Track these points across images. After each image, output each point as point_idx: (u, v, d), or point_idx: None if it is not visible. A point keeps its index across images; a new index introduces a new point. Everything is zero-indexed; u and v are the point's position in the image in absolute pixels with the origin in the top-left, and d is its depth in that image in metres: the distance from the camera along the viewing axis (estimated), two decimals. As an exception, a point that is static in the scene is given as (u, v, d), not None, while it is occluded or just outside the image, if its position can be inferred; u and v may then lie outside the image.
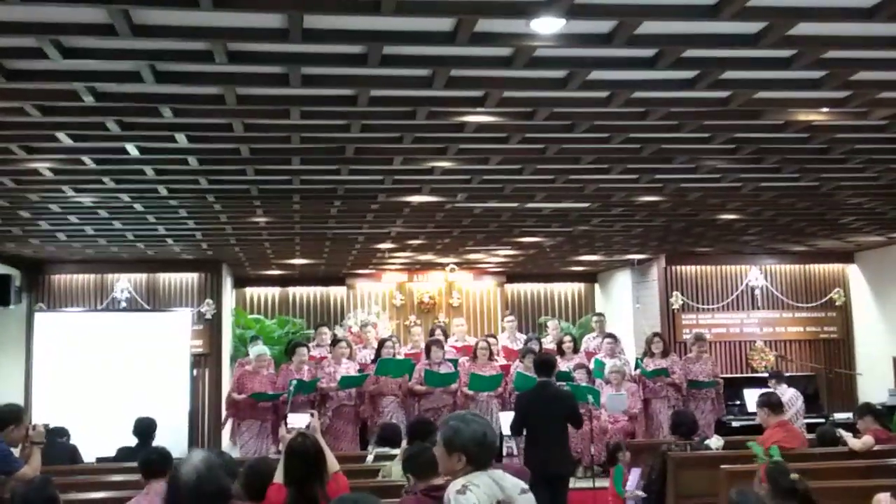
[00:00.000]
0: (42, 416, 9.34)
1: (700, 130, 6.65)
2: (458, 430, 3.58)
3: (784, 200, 9.56)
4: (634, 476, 7.72)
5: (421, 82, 5.30)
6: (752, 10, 4.28)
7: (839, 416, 11.24)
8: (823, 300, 14.47)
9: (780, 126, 6.56)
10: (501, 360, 11.54)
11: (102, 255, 12.84)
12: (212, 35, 4.46)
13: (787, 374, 11.52)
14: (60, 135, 6.30)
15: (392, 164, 7.47)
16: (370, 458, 7.47)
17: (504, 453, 11.30)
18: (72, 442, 8.72)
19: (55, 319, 12.78)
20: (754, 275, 14.38)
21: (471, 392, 10.63)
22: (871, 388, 12.97)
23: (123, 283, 13.57)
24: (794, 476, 4.92)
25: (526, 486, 3.63)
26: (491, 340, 11.73)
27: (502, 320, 14.26)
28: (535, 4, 4.21)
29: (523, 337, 12.72)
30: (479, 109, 5.89)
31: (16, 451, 6.21)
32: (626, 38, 4.58)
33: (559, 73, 5.30)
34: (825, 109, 6.11)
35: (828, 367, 14.02)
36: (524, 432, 7.92)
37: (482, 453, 3.56)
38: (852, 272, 14.52)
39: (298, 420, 5.83)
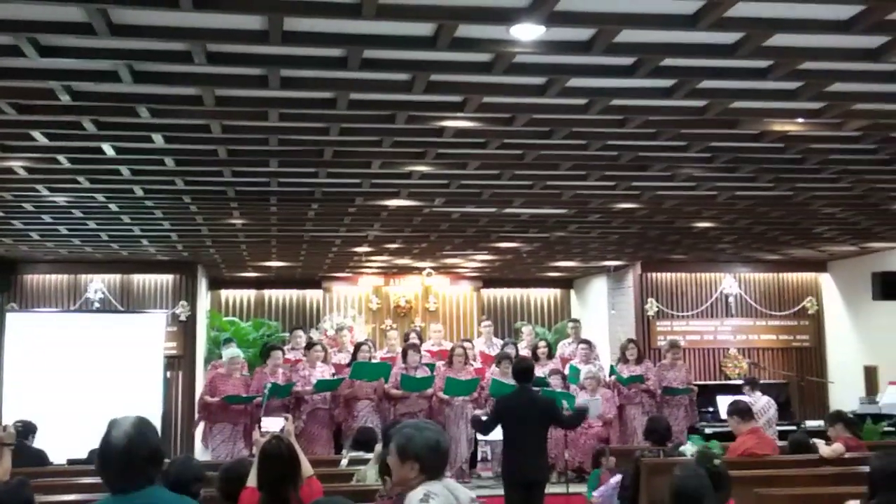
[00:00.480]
0: (13, 417, 9.22)
1: (677, 139, 6.70)
2: (411, 438, 3.58)
3: (759, 209, 9.66)
4: (610, 484, 7.73)
5: (400, 86, 5.30)
6: (729, 20, 4.32)
7: (811, 423, 11.32)
8: (796, 309, 14.61)
9: (756, 136, 6.63)
10: (478, 365, 11.55)
11: (76, 255, 12.73)
12: (191, 36, 4.44)
13: (760, 382, 11.61)
14: (36, 133, 6.24)
15: (370, 168, 7.46)
16: (344, 461, 7.44)
17: (479, 458, 11.33)
18: (43, 442, 8.62)
19: (27, 320, 12.66)
20: (728, 283, 14.50)
21: (446, 396, 10.63)
22: (843, 397, 13.10)
23: (97, 284, 13.44)
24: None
25: (475, 497, 3.66)
26: (467, 345, 11.74)
27: (479, 325, 14.27)
28: (515, 11, 4.22)
29: (500, 342, 12.73)
30: (458, 114, 5.90)
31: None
32: (605, 46, 4.61)
33: (538, 80, 5.33)
34: (800, 120, 6.18)
35: (800, 375, 14.15)
36: (499, 436, 7.92)
37: (436, 460, 3.57)
38: (825, 281, 14.68)
39: (272, 424, 5.80)
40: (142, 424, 2.94)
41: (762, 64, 5.04)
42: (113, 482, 2.86)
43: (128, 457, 2.83)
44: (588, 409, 9.07)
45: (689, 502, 4.48)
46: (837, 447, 7.47)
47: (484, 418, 8.34)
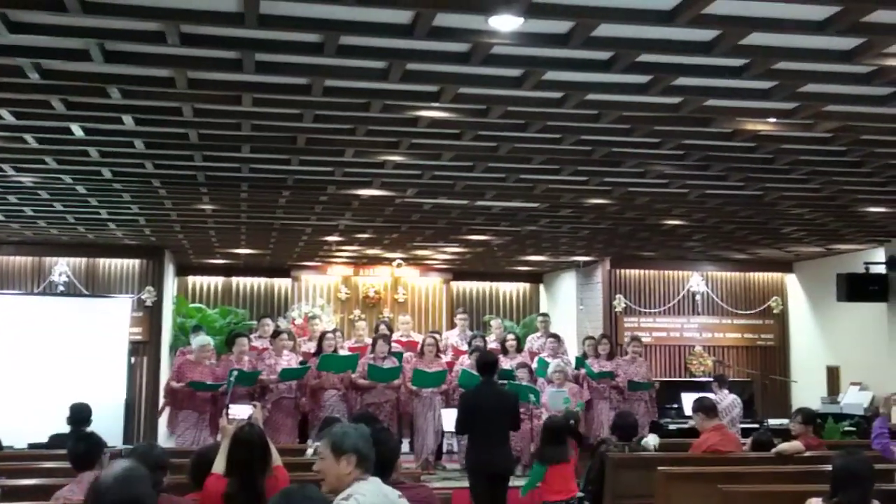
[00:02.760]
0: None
1: (650, 135, 6.73)
2: (346, 433, 3.68)
3: (728, 208, 9.73)
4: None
5: (376, 74, 5.27)
6: (706, 17, 4.34)
7: (773, 421, 11.46)
8: (761, 308, 14.76)
9: (729, 134, 6.68)
10: (448, 358, 11.54)
11: (41, 237, 12.54)
12: (165, 16, 4.37)
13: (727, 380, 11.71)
14: (3, 112, 6.13)
15: (343, 157, 7.42)
16: (310, 451, 7.41)
17: (444, 450, 11.34)
18: (3, 426, 8.50)
19: (-11, 301, 12.45)
20: (696, 281, 14.62)
21: (414, 388, 10.62)
22: (805, 396, 13.26)
23: (62, 267, 13.26)
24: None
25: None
26: (437, 337, 11.73)
27: (455, 317, 14.25)
28: (494, 1, 4.21)
29: (470, 335, 12.74)
30: (433, 104, 5.88)
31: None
32: (583, 39, 4.62)
33: (515, 72, 5.32)
34: (773, 120, 6.23)
35: (763, 374, 14.30)
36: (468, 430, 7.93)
37: (371, 453, 3.67)
38: (790, 281, 14.85)
39: (240, 411, 5.76)
40: (131, 471, 2.92)
41: (737, 62, 5.08)
42: None
43: (106, 499, 2.81)
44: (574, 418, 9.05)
45: (854, 482, 4.54)
46: (796, 444, 7.56)
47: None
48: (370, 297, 16.29)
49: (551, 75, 5.29)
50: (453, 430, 9.23)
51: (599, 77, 5.34)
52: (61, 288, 13.17)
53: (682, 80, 5.38)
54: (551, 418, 8.09)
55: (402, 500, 3.73)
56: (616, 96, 5.74)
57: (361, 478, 3.64)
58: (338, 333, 11.53)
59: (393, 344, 11.33)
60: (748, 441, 8.21)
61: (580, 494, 7.86)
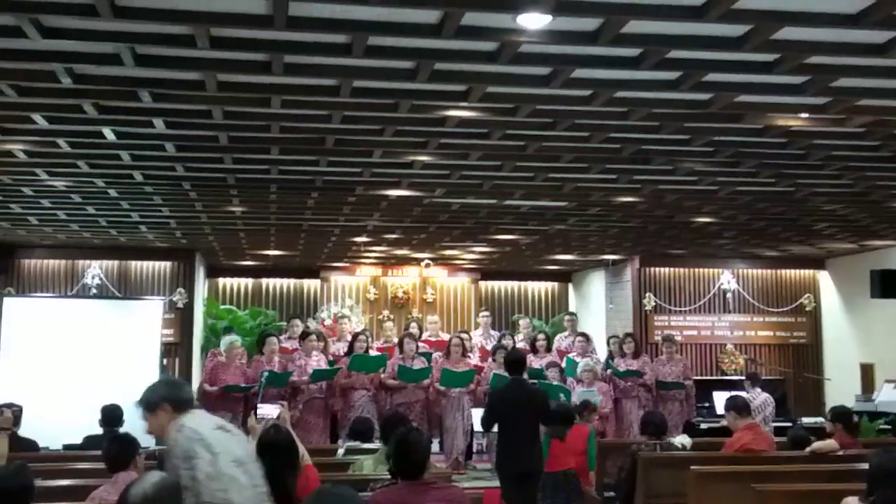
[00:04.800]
0: (9, 402, 9.18)
1: (680, 132, 6.68)
2: (151, 389, 3.99)
3: (759, 205, 9.64)
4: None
5: (404, 75, 5.27)
6: (737, 12, 4.30)
7: (806, 420, 11.32)
8: (794, 305, 14.61)
9: (760, 130, 6.61)
10: (475, 358, 11.52)
11: (74, 240, 12.69)
12: (194, 19, 4.40)
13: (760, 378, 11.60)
14: (36, 116, 6.21)
15: (371, 157, 7.43)
16: (341, 451, 7.42)
17: (474, 450, 11.31)
18: (39, 427, 8.57)
19: (24, 305, 12.57)
20: (726, 278, 14.50)
21: (442, 388, 10.62)
22: (838, 394, 13.10)
23: (94, 270, 13.41)
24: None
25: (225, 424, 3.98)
26: (464, 336, 11.71)
27: (477, 316, 14.24)
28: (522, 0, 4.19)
29: (497, 334, 12.71)
30: (461, 104, 5.87)
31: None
32: (612, 36, 4.58)
33: (543, 70, 5.30)
34: (804, 115, 6.16)
35: (796, 372, 14.15)
36: (496, 429, 7.91)
37: (182, 393, 3.95)
38: (823, 278, 14.68)
39: (268, 410, 5.79)
40: (162, 487, 2.93)
41: (769, 58, 5.02)
42: None
43: None
44: (590, 402, 9.12)
45: (891, 480, 4.47)
46: (831, 443, 7.46)
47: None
48: (399, 298, 16.31)
49: (580, 73, 5.27)
50: (481, 427, 9.21)
51: (628, 74, 5.30)
52: (94, 290, 13.31)
53: (713, 77, 5.33)
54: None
55: (233, 429, 3.97)
56: (645, 93, 5.70)
57: (180, 416, 3.83)
58: (367, 334, 11.55)
59: (421, 344, 11.34)
60: (782, 440, 8.12)
61: (609, 494, 7.84)
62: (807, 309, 14.63)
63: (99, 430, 8.01)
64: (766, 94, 5.73)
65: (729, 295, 14.49)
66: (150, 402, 3.90)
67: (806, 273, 14.75)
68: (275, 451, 4.43)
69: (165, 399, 3.87)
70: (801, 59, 4.96)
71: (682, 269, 14.45)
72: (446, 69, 5.22)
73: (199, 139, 6.96)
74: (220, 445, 3.71)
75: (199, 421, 3.80)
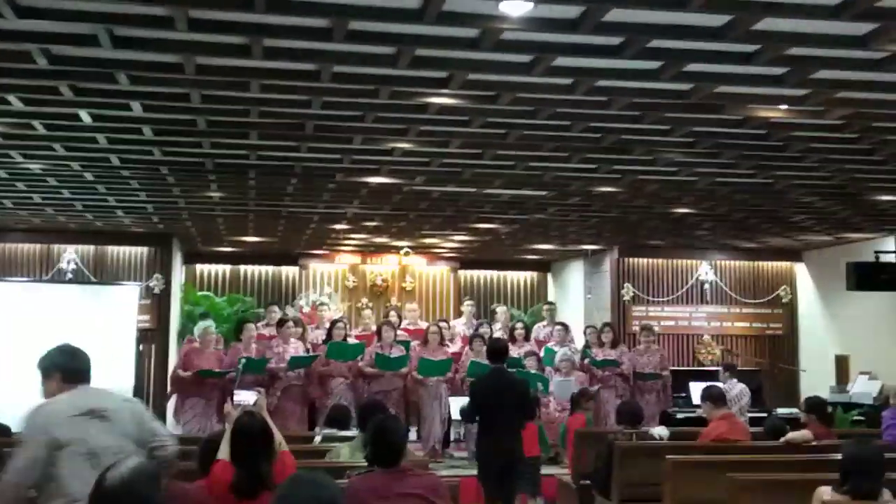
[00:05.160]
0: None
1: (660, 122, 6.69)
2: (46, 356, 4.11)
3: (738, 196, 9.69)
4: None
5: (385, 60, 5.24)
6: (719, 2, 4.31)
7: (781, 410, 11.42)
8: (770, 297, 14.71)
9: (740, 122, 6.63)
10: (455, 346, 11.52)
11: (49, 224, 12.55)
12: (173, 1, 4.34)
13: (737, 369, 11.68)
14: (11, 98, 6.12)
15: (352, 144, 7.39)
16: (318, 438, 7.41)
17: (452, 438, 11.33)
18: (12, 412, 8.49)
19: (-2, 289, 12.47)
20: (704, 270, 14.57)
21: (420, 377, 10.62)
22: (814, 385, 13.21)
23: (70, 255, 13.27)
24: None
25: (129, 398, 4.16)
26: (442, 325, 11.73)
27: (461, 305, 14.23)
28: (504, -15, 4.18)
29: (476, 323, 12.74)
30: (442, 91, 5.84)
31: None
32: (593, 25, 4.58)
33: (524, 58, 5.28)
34: (784, 107, 6.19)
35: (772, 363, 14.26)
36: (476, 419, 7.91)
37: (74, 362, 4.07)
38: (800, 270, 14.79)
39: (245, 396, 5.77)
40: (139, 471, 2.87)
41: (749, 48, 5.03)
42: None
43: (120, 503, 2.77)
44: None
45: (864, 470, 4.60)
46: (805, 433, 7.53)
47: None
48: (378, 286, 16.28)
49: (561, 61, 5.26)
50: (459, 417, 9.22)
51: (609, 63, 5.30)
52: (69, 275, 13.18)
53: (693, 67, 5.34)
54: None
55: (120, 398, 4.10)
56: (626, 82, 5.70)
57: (68, 388, 3.94)
58: (345, 321, 11.53)
59: (400, 332, 11.33)
60: (758, 430, 8.18)
61: (586, 482, 7.88)
62: (783, 301, 14.73)
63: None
64: (746, 85, 5.75)
65: (706, 286, 14.56)
66: (44, 369, 4.02)
67: (783, 265, 14.85)
68: (248, 437, 4.39)
69: (57, 367, 3.98)
70: (781, 49, 4.98)
71: (660, 260, 14.51)
72: (427, 55, 5.19)
73: (176, 123, 6.90)
74: (71, 434, 3.71)
75: (62, 406, 3.82)
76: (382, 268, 16.40)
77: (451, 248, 15.47)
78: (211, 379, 10.03)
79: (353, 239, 14.19)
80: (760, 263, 14.81)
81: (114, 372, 11.84)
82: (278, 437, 4.68)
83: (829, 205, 10.13)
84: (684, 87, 5.78)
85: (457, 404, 9.58)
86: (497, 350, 8.01)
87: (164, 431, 4.35)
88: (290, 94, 6.07)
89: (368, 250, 15.83)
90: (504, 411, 7.51)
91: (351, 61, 5.30)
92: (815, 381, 13.43)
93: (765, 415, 10.98)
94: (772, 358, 14.39)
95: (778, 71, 5.42)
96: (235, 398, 5.68)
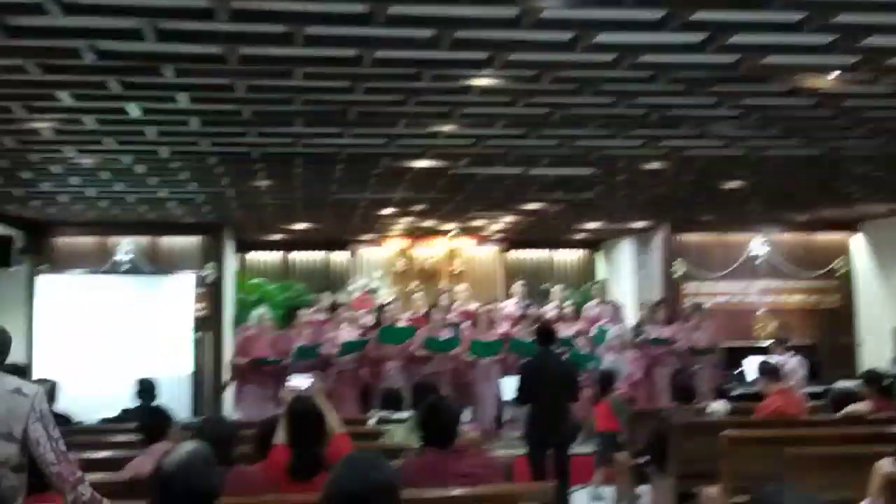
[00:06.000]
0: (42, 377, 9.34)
1: (707, 96, 6.58)
2: None
3: (789, 168, 9.51)
4: None
5: (426, 43, 5.23)
6: (763, -30, 4.22)
7: (839, 384, 11.23)
8: (826, 269, 14.43)
9: (788, 93, 6.50)
10: (506, 327, 11.53)
11: (104, 217, 12.80)
12: (214, -8, 4.40)
13: (790, 343, 11.51)
14: (61, 94, 6.25)
15: (395, 128, 7.41)
16: (372, 421, 7.50)
17: (505, 419, 11.35)
18: (75, 402, 8.73)
19: (57, 281, 12.77)
20: (757, 244, 14.33)
21: (471, 357, 10.65)
22: (872, 358, 12.99)
23: (125, 246, 13.52)
24: None
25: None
26: (492, 307, 11.74)
27: (508, 287, 14.21)
28: (543, -37, 4.14)
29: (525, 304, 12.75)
30: (484, 72, 5.82)
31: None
32: (634, -1, 4.52)
33: (566, 36, 5.23)
34: (834, 75, 6.04)
35: (829, 337, 14.02)
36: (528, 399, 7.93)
37: None
38: (856, 242, 14.48)
39: (300, 382, 5.83)
40: (195, 455, 2.91)
41: (796, 16, 4.92)
42: None
43: (177, 486, 2.81)
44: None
45: None
46: (864, 407, 7.41)
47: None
48: (427, 269, 16.32)
49: (603, 37, 5.20)
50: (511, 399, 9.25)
51: (652, 37, 5.23)
52: (125, 266, 13.43)
53: (739, 38, 5.24)
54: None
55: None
56: (670, 56, 5.62)
57: None
58: (396, 305, 11.61)
59: (451, 315, 11.38)
60: (815, 404, 8.07)
61: (642, 459, 7.85)
62: (839, 273, 14.44)
63: (134, 404, 8.15)
64: (794, 55, 5.63)
65: (759, 260, 14.33)
66: None
67: (838, 237, 14.54)
68: (302, 420, 4.47)
69: None
70: (828, 18, 4.86)
71: (711, 236, 14.31)
72: (467, 37, 5.17)
73: (222, 114, 6.98)
74: None
75: None
76: (431, 251, 16.44)
77: (498, 230, 15.43)
78: (266, 366, 10.18)
79: (401, 223, 14.24)
80: (814, 236, 14.52)
81: (172, 360, 12.11)
82: (334, 419, 4.75)
83: (885, 175, 9.89)
84: (730, 59, 5.68)
85: (508, 385, 9.61)
86: (545, 333, 8.01)
87: (54, 446, 3.76)
88: (333, 81, 6.11)
89: (417, 234, 15.87)
90: (553, 393, 7.53)
91: (392, 46, 5.30)
92: (874, 354, 13.19)
93: (822, 389, 10.83)
94: (828, 331, 14.14)
95: (826, 39, 5.29)
96: (290, 383, 5.74)
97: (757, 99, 6.73)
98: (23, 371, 6.49)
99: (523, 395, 7.90)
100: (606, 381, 9.46)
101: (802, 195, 11.47)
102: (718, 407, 7.83)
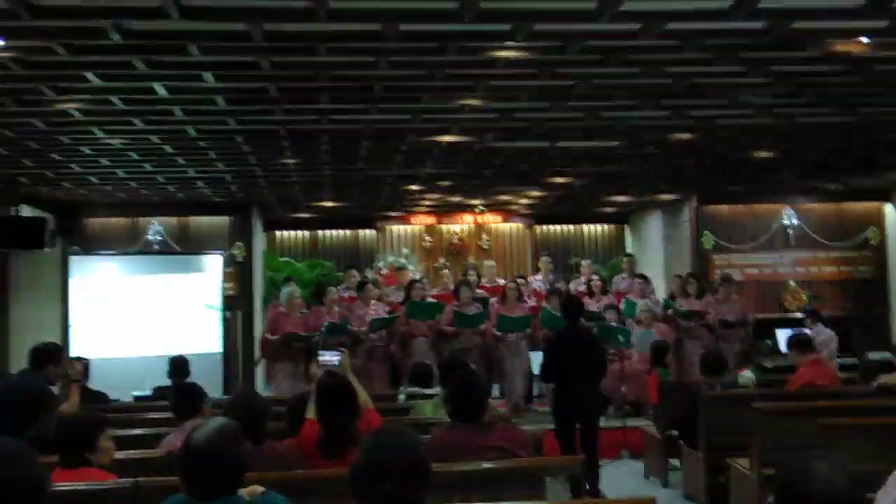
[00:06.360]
0: (77, 355, 9.48)
1: (735, 64, 6.49)
2: None
3: (820, 136, 9.37)
4: None
5: (449, 16, 5.19)
6: (791, -67, 4.14)
7: (873, 355, 11.12)
8: (858, 240, 14.24)
9: (818, 59, 6.39)
10: (532, 303, 11.51)
11: (134, 198, 12.91)
12: (237, -32, 4.39)
13: (822, 314, 11.39)
14: (88, 74, 6.28)
15: (420, 103, 7.39)
16: (402, 396, 7.53)
17: (535, 394, 11.37)
18: (108, 381, 8.87)
19: (90, 263, 12.91)
20: (788, 214, 14.15)
21: (499, 333, 10.65)
22: (906, 329, 12.85)
23: (156, 227, 13.65)
24: None
25: None
26: (520, 281, 11.72)
27: (535, 261, 14.19)
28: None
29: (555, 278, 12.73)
30: (508, 44, 5.77)
31: (55, 389, 6.30)
32: (660, -35, 4.46)
33: (590, 5, 5.17)
34: (864, 40, 5.93)
35: (862, 307, 13.85)
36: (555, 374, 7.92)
37: None
38: (889, 211, 14.26)
39: (330, 358, 5.87)
40: (224, 430, 2.93)
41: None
42: (189, 485, 2.84)
43: (205, 460, 2.81)
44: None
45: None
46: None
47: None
48: (454, 245, 16.33)
49: (628, 6, 5.13)
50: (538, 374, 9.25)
51: (678, 5, 5.16)
52: (156, 246, 13.56)
53: (767, 3, 5.15)
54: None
55: None
56: (697, 24, 5.54)
57: None
58: (424, 281, 11.63)
59: (478, 290, 11.37)
60: (848, 376, 8.00)
61: (672, 432, 7.84)
62: (872, 243, 14.25)
63: (167, 382, 8.25)
64: (824, 20, 5.53)
65: (790, 231, 14.16)
66: None
67: (870, 206, 14.31)
68: (331, 396, 4.50)
69: None
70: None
71: (741, 207, 14.14)
72: (492, 7, 5.12)
73: (248, 91, 7.00)
74: None
75: None
76: (458, 227, 16.44)
77: (525, 204, 15.39)
78: (297, 342, 10.24)
79: (428, 199, 14.24)
80: (846, 205, 14.30)
81: (202, 339, 12.23)
82: (363, 395, 4.79)
83: (918, 141, 9.73)
84: (758, 25, 5.59)
85: (537, 359, 9.62)
86: (572, 307, 7.99)
87: None
88: (357, 56, 6.09)
89: (443, 210, 15.87)
90: (580, 366, 7.51)
91: (415, 19, 5.27)
92: (908, 324, 13.04)
93: (855, 360, 10.72)
94: (861, 302, 13.97)
95: (856, 3, 5.19)
96: (321, 359, 5.78)
97: (786, 66, 6.63)
98: (60, 351, 6.56)
99: (549, 372, 7.90)
100: (656, 353, 9.53)
101: (833, 164, 11.30)
102: (747, 375, 7.79)
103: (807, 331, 9.42)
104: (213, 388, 10.66)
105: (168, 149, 9.13)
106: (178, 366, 8.24)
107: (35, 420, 4.28)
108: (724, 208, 14.14)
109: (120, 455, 4.40)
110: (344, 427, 4.44)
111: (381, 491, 2.52)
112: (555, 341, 8.04)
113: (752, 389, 7.62)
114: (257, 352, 11.89)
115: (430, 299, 11.01)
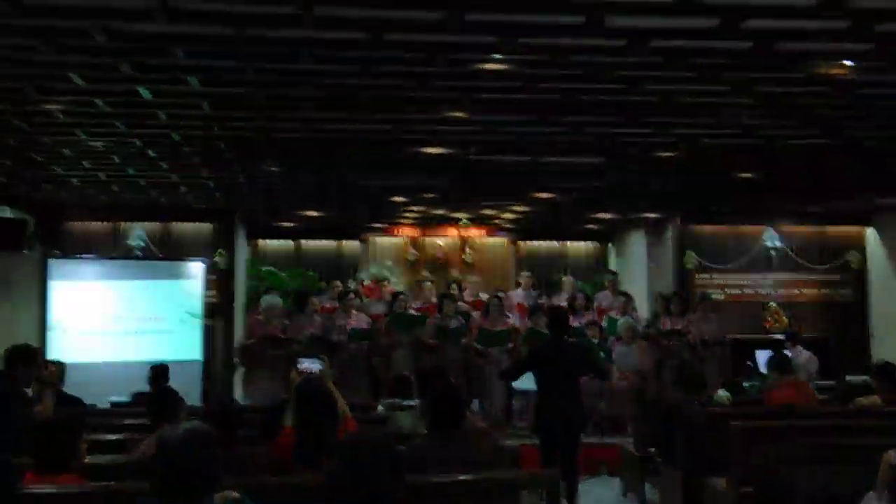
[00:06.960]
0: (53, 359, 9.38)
1: (719, 83, 6.53)
2: None
3: (803, 158, 9.43)
4: None
5: (435, 26, 5.20)
6: (776, -47, 4.17)
7: (851, 377, 11.16)
8: (839, 262, 14.32)
9: (802, 80, 6.43)
10: (514, 318, 11.51)
11: (116, 202, 12.82)
12: (224, -28, 4.38)
13: (802, 336, 11.43)
14: (73, 75, 6.24)
15: (405, 114, 7.38)
16: (381, 408, 7.49)
17: (514, 409, 11.34)
18: (88, 387, 8.77)
19: (70, 266, 12.80)
20: (770, 236, 14.23)
21: (480, 347, 10.63)
22: (885, 352, 12.89)
23: (137, 232, 13.56)
24: None
25: None
26: (501, 296, 11.72)
27: (517, 277, 14.19)
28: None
29: (536, 294, 12.70)
30: (493, 56, 5.78)
31: (28, 392, 6.23)
32: (647, -18, 4.48)
33: (577, 20, 5.18)
34: (848, 63, 5.98)
35: (841, 330, 13.92)
36: (526, 386, 7.93)
37: None
38: (870, 234, 14.36)
39: (310, 365, 5.83)
40: (195, 432, 2.91)
41: (810, 3, 4.86)
42: (162, 486, 2.83)
43: (178, 461, 2.81)
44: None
45: None
46: (874, 399, 7.36)
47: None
48: (438, 259, 16.32)
49: (614, 22, 5.15)
50: (520, 388, 9.24)
51: (665, 22, 5.18)
52: (137, 252, 13.46)
53: (752, 23, 5.19)
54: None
55: None
56: (682, 42, 5.57)
57: None
58: (407, 294, 11.62)
59: (461, 304, 11.36)
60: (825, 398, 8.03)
61: (650, 450, 7.83)
62: (852, 266, 14.34)
63: (145, 388, 8.18)
64: (808, 42, 5.57)
65: (772, 252, 14.23)
66: None
67: (851, 230, 14.41)
68: (310, 403, 4.47)
69: None
70: (843, 3, 4.81)
71: (724, 227, 14.22)
72: (477, 20, 5.12)
73: (232, 97, 6.97)
74: None
75: None
76: (442, 241, 16.44)
77: (509, 220, 15.41)
78: (276, 348, 10.16)
79: (413, 211, 14.22)
80: (828, 228, 14.40)
81: (182, 347, 12.14)
82: (342, 404, 4.76)
83: (900, 165, 9.81)
84: (743, 45, 5.62)
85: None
86: (558, 319, 7.97)
87: None
88: (342, 65, 6.08)
89: (428, 223, 15.86)
90: (563, 378, 7.49)
91: (401, 29, 5.27)
92: (888, 347, 13.09)
93: (834, 383, 10.76)
94: (841, 325, 14.04)
95: (840, 25, 5.23)
96: (300, 366, 5.75)
97: (769, 87, 6.67)
98: (35, 353, 6.49)
99: (512, 373, 7.97)
100: None
101: (816, 186, 11.37)
102: (722, 394, 7.81)
103: (787, 353, 9.44)
104: (192, 396, 10.59)
105: (151, 153, 9.08)
106: (158, 373, 8.18)
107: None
108: (707, 228, 14.20)
109: (94, 460, 4.35)
110: (321, 434, 4.41)
111: (354, 493, 2.51)
112: (539, 349, 8.04)
113: (729, 407, 7.62)
114: (236, 357, 11.80)
115: (412, 312, 10.99)
